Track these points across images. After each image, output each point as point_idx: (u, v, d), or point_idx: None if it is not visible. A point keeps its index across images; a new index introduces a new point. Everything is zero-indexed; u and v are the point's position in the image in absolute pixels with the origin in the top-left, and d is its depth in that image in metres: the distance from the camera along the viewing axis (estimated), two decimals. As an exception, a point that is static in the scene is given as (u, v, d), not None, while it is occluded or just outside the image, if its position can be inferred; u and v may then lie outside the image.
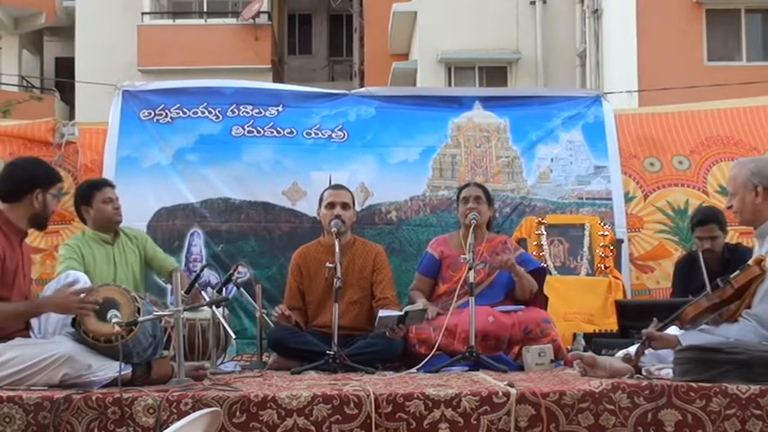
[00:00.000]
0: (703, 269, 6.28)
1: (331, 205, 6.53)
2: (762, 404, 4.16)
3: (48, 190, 4.97)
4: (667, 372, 4.61)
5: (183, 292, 5.62)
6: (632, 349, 4.90)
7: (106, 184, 6.67)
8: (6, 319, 4.73)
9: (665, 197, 8.19)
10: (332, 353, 5.74)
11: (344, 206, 6.57)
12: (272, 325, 6.42)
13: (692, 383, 4.23)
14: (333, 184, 7.09)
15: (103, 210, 6.52)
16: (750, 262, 4.76)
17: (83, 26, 25.86)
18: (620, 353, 5.05)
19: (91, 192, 6.57)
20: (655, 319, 4.87)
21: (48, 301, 4.81)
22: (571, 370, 5.37)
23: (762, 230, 4.93)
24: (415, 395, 4.15)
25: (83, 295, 4.68)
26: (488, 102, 8.57)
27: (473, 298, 5.85)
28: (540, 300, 6.56)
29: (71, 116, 24.36)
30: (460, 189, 6.81)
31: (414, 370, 5.71)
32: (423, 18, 22.58)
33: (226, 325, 5.81)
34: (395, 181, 8.12)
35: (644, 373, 4.73)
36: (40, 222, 5.04)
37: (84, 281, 5.09)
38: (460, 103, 8.56)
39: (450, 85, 22.07)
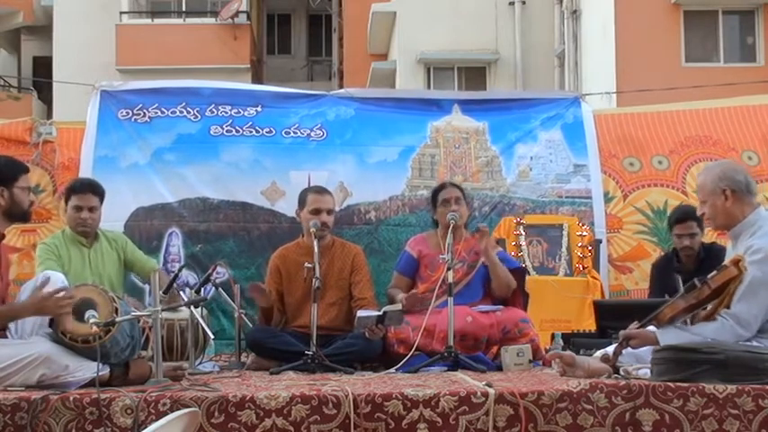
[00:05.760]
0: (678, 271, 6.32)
1: (317, 211, 6.50)
2: (739, 404, 4.18)
3: (12, 185, 4.90)
4: (645, 371, 4.63)
5: (161, 293, 5.60)
6: (610, 349, 4.92)
7: (88, 190, 6.59)
8: None
9: (645, 197, 8.22)
10: (311, 353, 5.73)
11: (329, 212, 6.58)
12: (250, 325, 6.41)
13: (670, 383, 4.25)
14: (315, 186, 7.01)
15: (70, 216, 6.57)
16: (727, 262, 4.79)
17: (61, 25, 25.71)
18: (598, 353, 5.06)
19: (68, 194, 6.59)
20: (636, 321, 4.89)
21: (26, 306, 4.73)
22: (549, 370, 5.39)
23: (735, 232, 4.98)
24: (394, 395, 4.15)
25: (61, 293, 4.63)
26: (467, 105, 8.58)
27: (452, 298, 5.86)
28: (519, 299, 6.57)
29: (49, 115, 24.21)
30: (437, 190, 6.77)
31: (392, 370, 5.71)
32: (402, 18, 22.63)
33: (204, 325, 5.80)
34: (374, 180, 8.12)
35: (622, 372, 4.74)
36: (17, 217, 4.99)
37: (61, 281, 5.03)
38: (439, 107, 8.57)
39: (429, 85, 22.14)
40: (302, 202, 6.65)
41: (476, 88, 20.84)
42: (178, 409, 3.89)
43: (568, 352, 5.25)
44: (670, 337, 4.67)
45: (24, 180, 4.99)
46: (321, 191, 6.72)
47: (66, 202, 6.59)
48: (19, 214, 4.98)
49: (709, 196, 4.99)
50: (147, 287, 7.24)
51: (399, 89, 20.39)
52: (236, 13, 25.71)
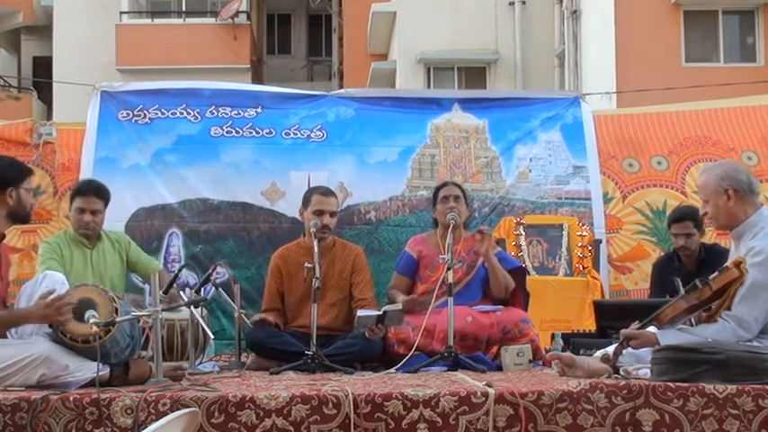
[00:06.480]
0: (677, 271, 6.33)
1: (320, 213, 6.49)
2: (739, 404, 4.18)
3: (19, 186, 4.92)
4: (645, 371, 4.63)
5: (161, 293, 5.60)
6: (610, 349, 4.92)
7: (92, 193, 6.56)
8: None
9: (644, 198, 8.22)
10: (311, 353, 5.73)
11: (332, 215, 6.58)
12: (250, 326, 6.41)
13: (670, 383, 4.25)
14: (321, 187, 6.96)
15: (73, 218, 6.57)
16: (729, 264, 4.78)
17: (61, 25, 25.73)
18: (598, 353, 5.06)
19: (73, 195, 6.60)
20: (637, 321, 4.89)
21: (31, 314, 4.71)
22: (549, 370, 5.38)
23: (737, 232, 4.97)
24: (394, 395, 4.15)
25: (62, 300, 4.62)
26: (467, 103, 8.58)
27: (452, 298, 5.85)
28: (519, 298, 6.57)
29: (49, 115, 24.24)
30: (438, 188, 6.80)
31: (392, 370, 5.72)
32: (402, 18, 22.62)
33: (204, 325, 5.80)
34: (374, 181, 8.13)
35: (622, 372, 4.74)
36: (20, 218, 5.01)
37: (61, 282, 5.04)
38: (439, 105, 8.57)
39: (429, 85, 22.14)
40: (306, 201, 6.64)
41: (476, 88, 20.81)
42: (178, 409, 3.89)
43: (567, 353, 5.25)
44: (670, 338, 4.67)
45: (29, 182, 5.03)
46: (326, 192, 6.70)
47: (71, 202, 6.59)
48: (23, 216, 5.00)
49: (712, 196, 4.97)
50: (147, 287, 7.23)
51: (399, 89, 20.38)
52: (236, 13, 25.72)
